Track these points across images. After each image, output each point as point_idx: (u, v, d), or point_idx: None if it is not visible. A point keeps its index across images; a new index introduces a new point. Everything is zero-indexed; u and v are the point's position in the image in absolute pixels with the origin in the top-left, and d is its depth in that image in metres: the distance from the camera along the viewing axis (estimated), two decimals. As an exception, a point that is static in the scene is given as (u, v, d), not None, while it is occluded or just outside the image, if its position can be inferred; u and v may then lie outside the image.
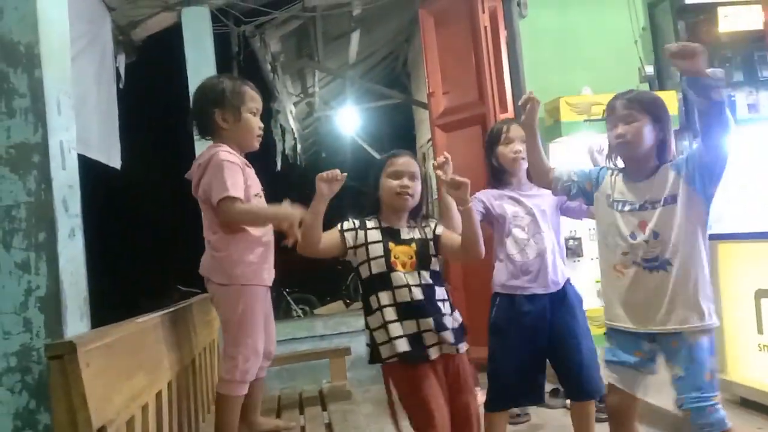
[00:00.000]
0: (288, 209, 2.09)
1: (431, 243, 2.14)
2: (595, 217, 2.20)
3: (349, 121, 10.06)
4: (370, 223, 2.14)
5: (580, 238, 4.82)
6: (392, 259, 2.06)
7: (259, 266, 2.25)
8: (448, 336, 2.07)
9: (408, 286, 2.04)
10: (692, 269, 1.98)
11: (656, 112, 2.04)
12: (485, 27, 4.56)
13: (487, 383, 2.58)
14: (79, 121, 3.72)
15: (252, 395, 2.35)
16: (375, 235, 2.10)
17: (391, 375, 2.09)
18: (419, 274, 2.07)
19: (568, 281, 2.62)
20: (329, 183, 2.00)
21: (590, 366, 2.52)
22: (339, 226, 2.14)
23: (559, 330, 2.53)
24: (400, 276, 2.05)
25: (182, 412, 2.23)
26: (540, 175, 2.32)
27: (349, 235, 2.11)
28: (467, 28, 4.64)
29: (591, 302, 4.74)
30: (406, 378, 2.05)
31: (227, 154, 2.19)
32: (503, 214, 2.56)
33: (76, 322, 1.76)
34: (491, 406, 2.56)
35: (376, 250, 2.08)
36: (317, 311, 8.47)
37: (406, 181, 2.11)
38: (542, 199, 2.60)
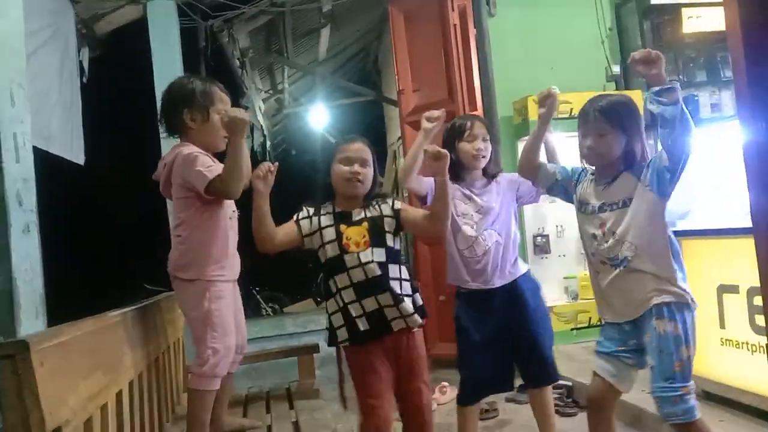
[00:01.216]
0: (231, 119, 2.11)
1: (387, 219, 2.15)
2: (577, 220, 2.25)
3: (319, 118, 10.01)
4: (324, 209, 2.17)
5: (547, 236, 4.88)
6: (344, 241, 2.09)
7: (225, 261, 2.26)
8: (407, 306, 2.09)
9: (362, 265, 2.07)
10: (651, 264, 2.03)
11: (627, 124, 2.08)
12: (455, 25, 4.57)
13: (460, 378, 2.61)
14: (41, 115, 3.63)
15: (220, 392, 2.33)
16: (327, 220, 2.13)
17: (347, 356, 2.16)
18: (373, 251, 2.09)
19: (525, 272, 2.66)
20: (263, 179, 2.03)
21: (546, 352, 2.59)
22: (295, 216, 2.17)
23: (514, 321, 2.57)
24: (353, 257, 2.08)
25: (145, 412, 2.18)
26: (528, 168, 2.36)
27: (303, 224, 2.14)
28: (437, 25, 4.64)
29: (558, 298, 4.82)
30: (357, 361, 2.11)
31: (191, 148, 2.23)
32: (456, 210, 2.57)
33: (30, 321, 1.71)
34: (462, 399, 2.61)
35: (329, 234, 2.10)
36: (287, 309, 8.41)
37: (356, 167, 2.12)
38: (493, 196, 2.63)
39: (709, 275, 2.89)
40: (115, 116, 6.88)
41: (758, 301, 2.58)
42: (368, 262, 2.07)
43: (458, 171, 2.61)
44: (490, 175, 2.67)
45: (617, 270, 2.07)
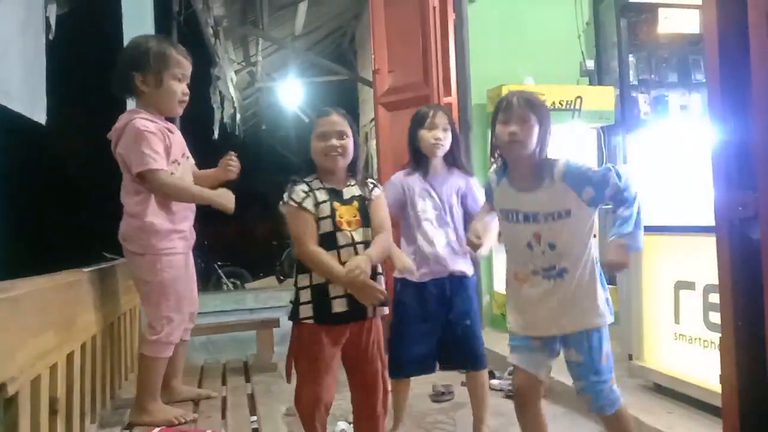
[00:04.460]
0: (225, 198, 2.19)
1: (368, 202, 2.15)
2: (500, 227, 2.26)
3: (291, 94, 9.87)
4: (314, 184, 2.12)
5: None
6: (338, 218, 2.07)
7: (174, 235, 2.19)
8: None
9: (354, 244, 2.06)
10: (588, 274, 2.08)
11: (543, 118, 2.10)
12: (434, 7, 4.52)
13: (388, 353, 2.63)
14: (1, 68, 3.47)
15: (174, 360, 2.29)
16: (322, 195, 2.09)
17: (300, 331, 2.11)
18: (364, 231, 2.09)
19: (466, 269, 2.72)
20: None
21: (481, 340, 2.72)
22: (294, 203, 2.06)
23: (457, 308, 2.66)
24: (346, 234, 2.07)
25: (97, 376, 2.13)
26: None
27: (308, 204, 2.07)
28: (416, 6, 4.60)
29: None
30: (310, 338, 2.08)
31: (145, 122, 2.11)
32: (415, 207, 2.66)
33: (-20, 276, 1.64)
34: (395, 373, 2.65)
35: (324, 209, 2.07)
36: (248, 286, 8.34)
37: (333, 141, 2.08)
38: (451, 189, 2.68)
39: (667, 271, 2.95)
40: (80, 77, 6.67)
41: (714, 298, 2.63)
42: (360, 242, 2.07)
43: (418, 159, 2.69)
44: (449, 166, 2.71)
45: (551, 281, 2.08)
